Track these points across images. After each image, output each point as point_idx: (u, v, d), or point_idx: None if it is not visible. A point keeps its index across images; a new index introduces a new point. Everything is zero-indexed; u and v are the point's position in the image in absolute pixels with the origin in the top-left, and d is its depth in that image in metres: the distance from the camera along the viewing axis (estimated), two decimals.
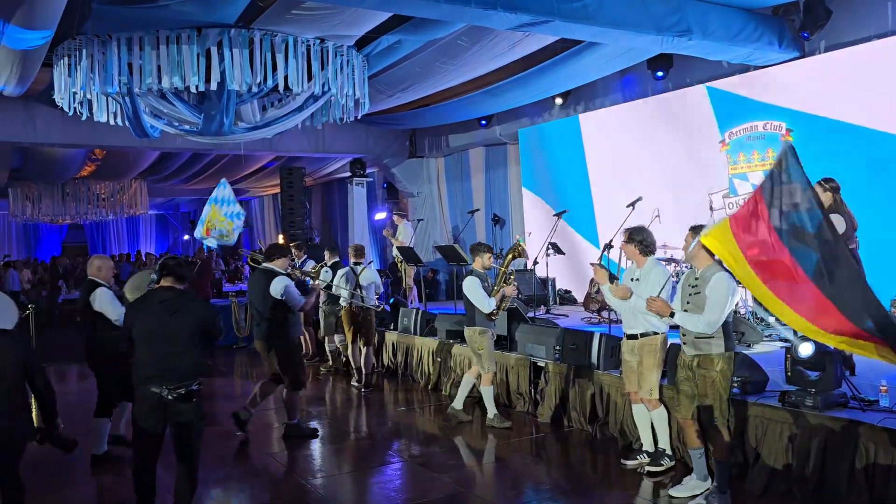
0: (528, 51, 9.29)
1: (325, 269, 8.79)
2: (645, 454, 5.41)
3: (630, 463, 5.44)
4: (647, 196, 7.76)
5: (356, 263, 8.84)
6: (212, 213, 9.83)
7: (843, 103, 8.16)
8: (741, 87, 9.29)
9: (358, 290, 8.58)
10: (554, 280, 11.09)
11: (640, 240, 5.12)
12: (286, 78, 8.18)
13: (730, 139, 9.47)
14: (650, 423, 5.41)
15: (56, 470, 5.73)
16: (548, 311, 10.33)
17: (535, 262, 9.60)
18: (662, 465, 5.24)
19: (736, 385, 5.13)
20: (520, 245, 6.95)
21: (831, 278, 3.53)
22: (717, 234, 3.95)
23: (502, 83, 10.65)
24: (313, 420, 7.27)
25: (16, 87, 9.97)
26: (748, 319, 7.56)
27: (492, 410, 6.73)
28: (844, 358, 5.20)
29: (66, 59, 8.28)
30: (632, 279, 5.15)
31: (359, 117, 9.89)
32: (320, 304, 9.43)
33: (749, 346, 6.99)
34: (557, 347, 6.89)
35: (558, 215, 9.41)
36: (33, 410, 4.38)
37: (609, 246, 8.04)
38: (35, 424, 4.30)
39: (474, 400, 7.74)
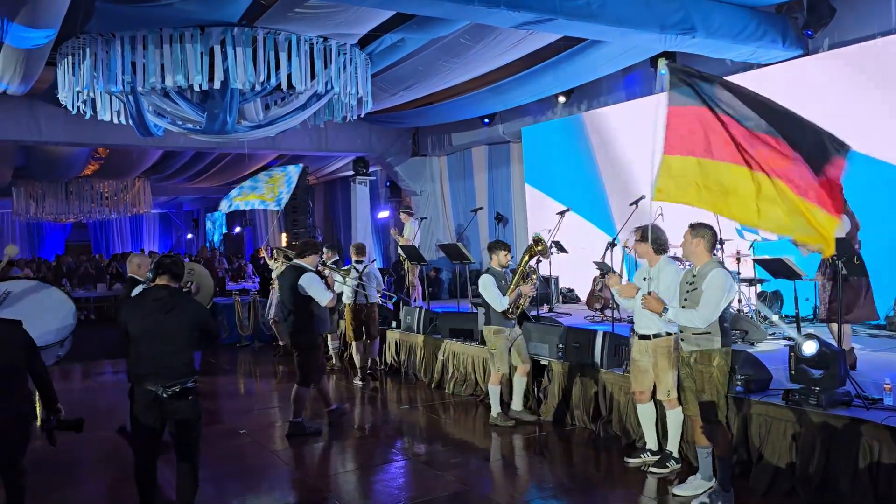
0: (531, 49, 9.28)
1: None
2: (649, 452, 5.40)
3: (633, 461, 5.43)
4: (651, 194, 7.75)
5: (358, 262, 8.85)
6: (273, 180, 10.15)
7: (846, 101, 8.14)
8: (745, 85, 9.25)
9: (360, 287, 8.62)
10: (557, 278, 11.09)
11: (654, 238, 5.13)
12: (289, 76, 8.19)
13: None
14: (655, 422, 5.41)
15: (59, 469, 5.75)
16: (551, 310, 10.33)
17: (539, 261, 9.59)
18: (668, 466, 5.22)
19: (739, 383, 5.13)
20: (541, 242, 6.57)
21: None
22: (667, 176, 4.06)
23: (505, 81, 10.64)
24: (318, 419, 7.27)
25: (20, 86, 10.00)
26: (751, 318, 7.55)
27: (496, 409, 6.73)
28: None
29: (69, 57, 8.29)
30: (644, 279, 5.13)
31: (362, 116, 9.90)
32: None
33: (752, 344, 6.97)
34: (560, 346, 6.88)
35: (561, 214, 9.40)
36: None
37: (612, 244, 8.05)
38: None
39: (477, 398, 7.76)
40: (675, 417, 5.21)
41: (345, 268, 8.46)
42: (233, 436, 6.61)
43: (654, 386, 5.27)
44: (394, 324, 9.75)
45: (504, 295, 6.48)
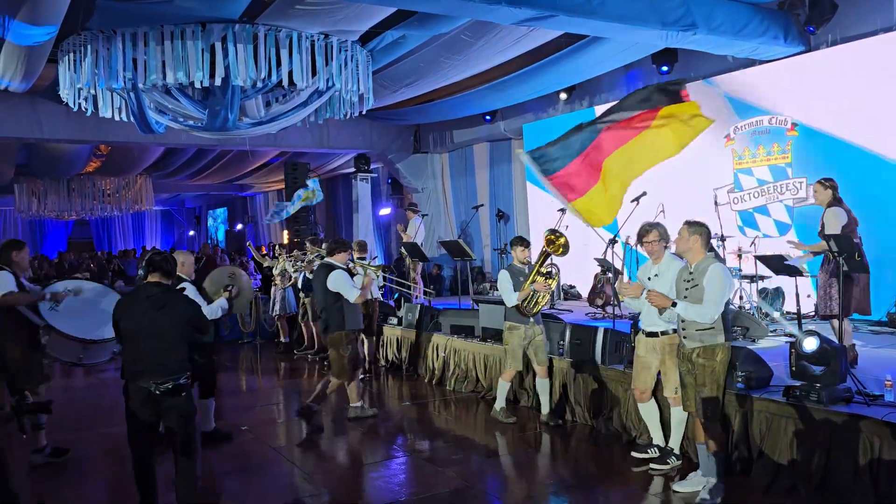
0: (533, 46, 9.26)
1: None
2: (656, 448, 5.39)
3: (640, 455, 5.43)
4: (651, 191, 7.75)
5: (360, 259, 8.85)
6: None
7: (849, 97, 8.13)
8: (746, 82, 9.26)
9: (394, 284, 8.70)
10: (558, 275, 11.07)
11: (661, 232, 5.14)
12: (290, 73, 8.19)
13: (735, 134, 9.45)
14: (659, 419, 5.40)
15: (60, 467, 5.77)
16: (552, 307, 10.33)
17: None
18: (669, 463, 5.23)
19: (740, 380, 5.13)
20: (559, 239, 6.29)
21: None
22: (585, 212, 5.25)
23: (506, 78, 10.63)
24: (319, 413, 7.27)
25: (21, 83, 10.01)
26: (752, 314, 7.55)
27: (500, 403, 6.72)
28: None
29: (70, 54, 8.30)
30: (649, 277, 5.12)
31: (363, 113, 9.89)
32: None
33: (753, 340, 6.97)
34: (561, 342, 6.89)
35: (562, 210, 9.39)
36: None
37: (613, 241, 8.04)
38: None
39: (478, 395, 7.77)
40: (679, 415, 5.21)
41: (374, 265, 8.52)
42: (235, 432, 6.62)
43: (657, 384, 5.27)
44: (395, 320, 9.76)
45: (518, 291, 6.37)
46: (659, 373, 5.24)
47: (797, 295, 7.21)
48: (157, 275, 4.36)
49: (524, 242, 6.67)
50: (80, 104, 8.70)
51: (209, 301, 6.07)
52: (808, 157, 8.61)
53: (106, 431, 6.24)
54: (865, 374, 5.27)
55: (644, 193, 7.84)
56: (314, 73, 8.41)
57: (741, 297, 8.11)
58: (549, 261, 6.41)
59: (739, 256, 8.19)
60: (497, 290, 6.82)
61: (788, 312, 8.07)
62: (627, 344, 6.16)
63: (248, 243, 13.23)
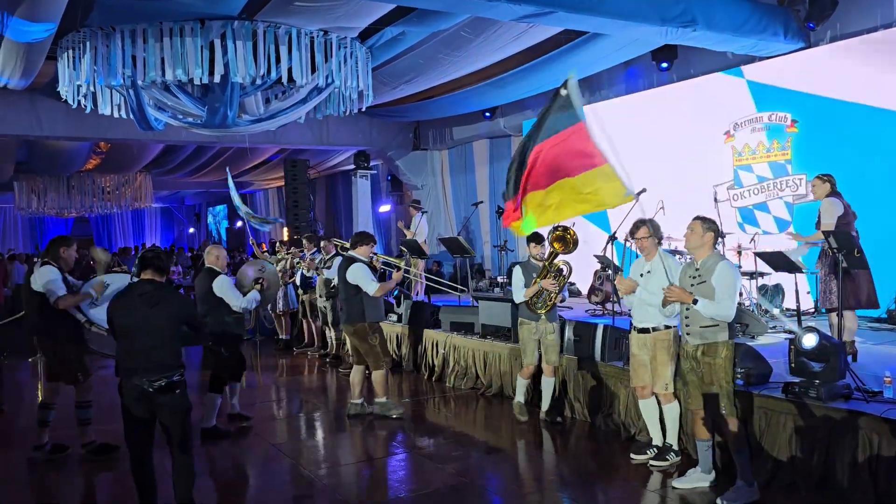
0: (532, 42, 9.26)
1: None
2: (654, 449, 5.37)
3: (638, 458, 5.41)
4: (651, 188, 7.73)
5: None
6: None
7: (848, 93, 8.12)
8: (746, 78, 9.25)
9: (415, 277, 8.74)
10: None
11: (654, 231, 5.13)
12: (290, 70, 8.18)
13: (735, 130, 9.44)
14: (658, 417, 5.39)
15: (58, 465, 5.77)
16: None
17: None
18: (668, 459, 5.22)
19: (740, 376, 5.12)
20: (569, 235, 6.06)
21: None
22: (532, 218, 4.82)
23: (506, 75, 10.63)
24: (319, 410, 7.28)
25: (20, 80, 10.00)
26: (752, 311, 7.54)
27: (517, 398, 6.67)
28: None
29: (70, 51, 8.29)
30: (641, 274, 5.12)
31: (363, 109, 9.88)
32: (320, 296, 9.57)
33: (753, 337, 6.97)
34: (561, 339, 6.87)
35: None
36: None
37: (613, 238, 8.02)
38: None
39: (477, 391, 7.77)
40: (671, 412, 5.21)
41: (396, 257, 8.58)
42: (234, 428, 6.62)
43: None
44: (394, 317, 9.75)
45: (528, 287, 6.33)
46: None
47: (797, 291, 7.21)
48: (149, 272, 4.36)
49: (539, 238, 6.53)
50: (79, 101, 8.69)
51: (244, 294, 6.38)
52: (808, 154, 8.60)
53: (105, 428, 6.23)
54: (865, 370, 5.27)
55: (644, 190, 7.80)
56: (314, 69, 8.40)
57: (741, 294, 8.10)
58: (558, 259, 6.31)
59: (739, 253, 8.18)
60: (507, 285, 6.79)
61: (788, 309, 8.07)
62: (627, 341, 6.15)
63: (251, 241, 13.26)
